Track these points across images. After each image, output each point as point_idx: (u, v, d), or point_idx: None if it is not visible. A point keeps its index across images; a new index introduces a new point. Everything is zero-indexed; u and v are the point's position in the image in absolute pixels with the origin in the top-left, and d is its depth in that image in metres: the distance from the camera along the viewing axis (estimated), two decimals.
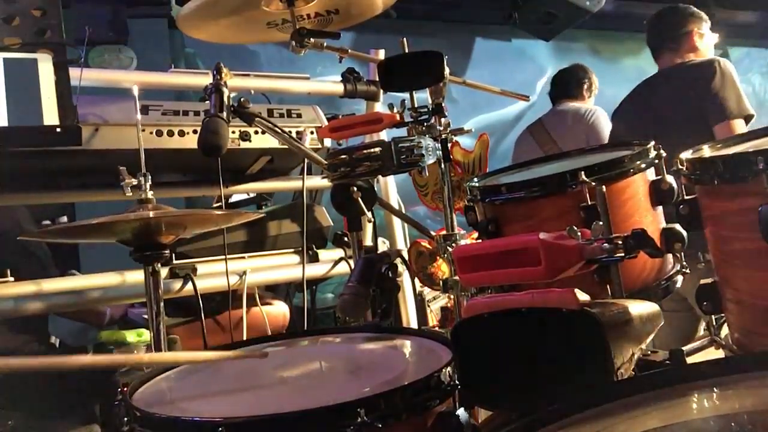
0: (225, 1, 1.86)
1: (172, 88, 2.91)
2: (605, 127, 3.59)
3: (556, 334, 0.93)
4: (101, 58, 4.19)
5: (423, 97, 1.50)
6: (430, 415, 0.96)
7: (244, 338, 2.13)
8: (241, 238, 2.31)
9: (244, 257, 2.24)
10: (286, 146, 1.90)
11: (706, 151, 1.14)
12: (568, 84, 3.91)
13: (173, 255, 2.09)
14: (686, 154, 1.11)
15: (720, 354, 1.17)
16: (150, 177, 1.65)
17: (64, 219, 2.97)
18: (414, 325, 2.37)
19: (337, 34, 1.89)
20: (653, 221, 1.27)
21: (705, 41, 2.86)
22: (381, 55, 2.43)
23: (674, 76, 2.76)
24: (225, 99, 1.64)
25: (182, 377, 1.24)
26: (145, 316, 1.76)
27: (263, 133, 2.08)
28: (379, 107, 2.46)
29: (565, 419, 0.75)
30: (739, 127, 2.50)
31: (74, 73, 1.81)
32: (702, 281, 1.10)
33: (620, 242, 1.02)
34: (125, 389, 1.10)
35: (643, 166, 1.27)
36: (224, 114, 1.62)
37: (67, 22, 1.76)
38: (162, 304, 1.68)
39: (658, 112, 2.71)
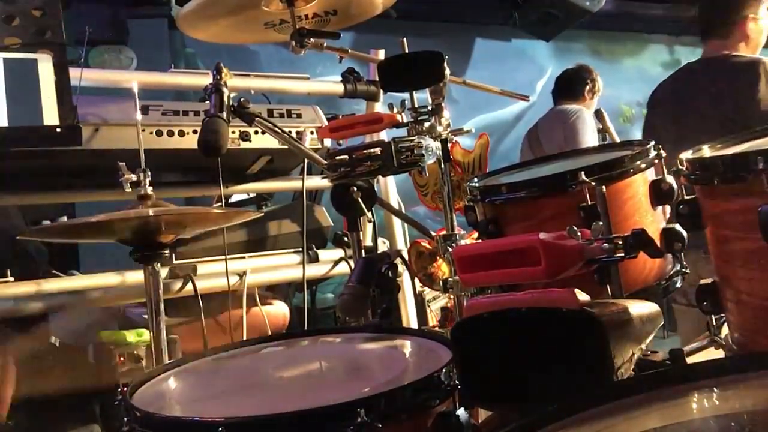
0: (225, 1, 1.86)
1: (172, 88, 2.91)
2: (585, 129, 3.57)
3: (556, 334, 0.93)
4: (101, 58, 4.19)
5: (423, 97, 1.50)
6: (430, 415, 0.96)
7: (244, 338, 2.13)
8: (241, 238, 2.31)
9: (244, 257, 2.24)
10: (286, 146, 1.90)
11: (706, 151, 1.14)
12: (569, 85, 3.92)
13: (173, 255, 2.09)
14: (686, 154, 1.11)
15: (720, 354, 1.17)
16: (149, 173, 1.65)
17: (64, 219, 2.97)
18: (414, 325, 2.37)
19: (337, 34, 1.90)
20: (653, 221, 1.27)
21: (761, 26, 2.65)
22: (381, 55, 2.43)
23: (717, 70, 2.60)
24: (225, 99, 1.64)
25: (182, 377, 1.24)
26: (145, 316, 1.75)
27: (263, 133, 2.08)
28: (379, 107, 2.46)
29: (565, 419, 0.75)
30: None
31: (74, 73, 1.81)
32: (702, 281, 1.10)
33: (620, 242, 1.02)
34: (125, 389, 1.10)
35: (643, 166, 1.27)
36: (224, 114, 1.62)
37: (67, 22, 1.77)
38: (162, 304, 1.68)
39: (696, 105, 2.58)
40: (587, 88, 3.88)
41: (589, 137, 3.56)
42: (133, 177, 1.63)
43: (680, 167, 1.08)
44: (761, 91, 2.42)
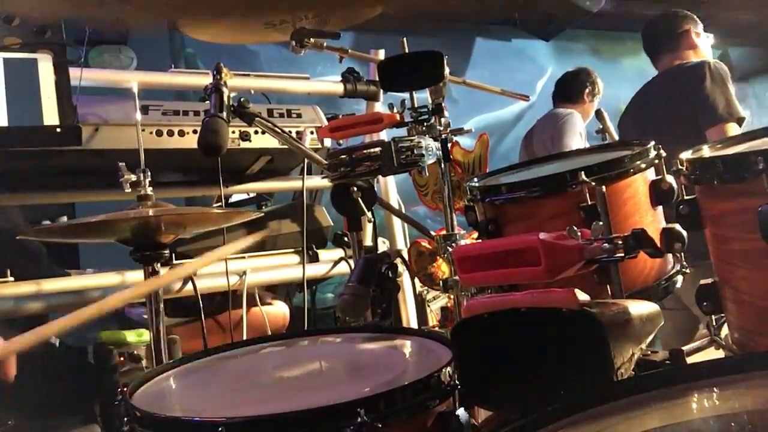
0: (225, 0, 1.86)
1: (172, 88, 2.91)
2: (571, 132, 3.60)
3: (556, 334, 0.93)
4: (101, 58, 4.18)
5: (423, 97, 1.50)
6: (430, 415, 0.96)
7: (244, 338, 2.13)
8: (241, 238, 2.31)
9: (244, 257, 2.24)
10: (286, 146, 1.90)
11: (706, 151, 1.14)
12: (568, 88, 3.92)
13: (173, 255, 2.09)
14: (686, 154, 1.11)
15: (720, 354, 1.17)
16: (149, 173, 1.65)
17: (64, 219, 2.97)
18: (414, 325, 2.37)
19: (337, 34, 1.90)
20: (653, 221, 1.27)
21: (703, 39, 2.87)
22: (381, 55, 2.43)
23: (669, 79, 2.78)
24: (225, 99, 1.64)
25: (182, 377, 1.24)
26: (145, 316, 1.75)
27: (263, 133, 2.08)
28: (379, 107, 2.46)
29: (565, 419, 0.75)
30: (732, 130, 2.50)
31: (74, 73, 1.81)
32: (702, 281, 1.10)
33: (620, 242, 1.02)
34: (125, 389, 1.10)
35: (643, 166, 1.27)
36: (224, 114, 1.62)
37: (67, 22, 1.77)
38: (162, 304, 1.68)
39: (652, 115, 2.75)
40: (587, 91, 3.88)
41: (575, 141, 3.58)
42: (133, 177, 1.63)
43: (680, 167, 1.08)
44: (707, 88, 2.55)
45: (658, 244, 1.12)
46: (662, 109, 2.70)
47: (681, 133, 2.44)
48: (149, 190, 1.64)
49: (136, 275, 1.94)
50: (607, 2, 5.24)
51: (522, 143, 3.96)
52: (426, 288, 2.39)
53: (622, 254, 1.02)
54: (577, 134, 3.61)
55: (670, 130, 2.52)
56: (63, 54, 1.75)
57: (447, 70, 1.45)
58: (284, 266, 2.32)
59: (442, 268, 1.87)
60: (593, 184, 1.18)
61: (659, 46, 2.91)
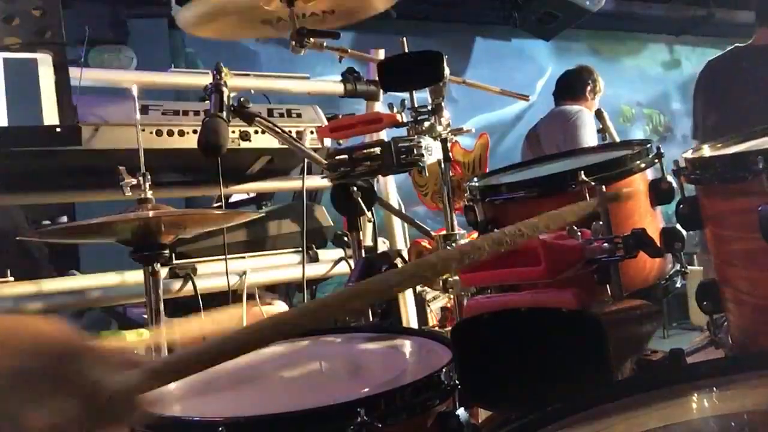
0: (225, 1, 1.86)
1: (172, 88, 2.91)
2: (585, 129, 3.58)
3: (556, 334, 0.93)
4: (101, 58, 4.19)
5: (423, 97, 1.50)
6: (430, 415, 0.96)
7: None
8: (241, 238, 2.31)
9: (244, 257, 2.24)
10: (286, 146, 1.90)
11: (706, 151, 1.14)
12: (570, 85, 3.92)
13: (173, 255, 2.09)
14: (686, 154, 1.11)
15: (720, 354, 1.17)
16: (149, 176, 1.65)
17: (64, 219, 2.97)
18: (414, 325, 2.37)
19: (337, 33, 1.89)
20: (653, 221, 1.27)
21: None
22: (381, 55, 2.43)
23: (761, 57, 2.60)
24: (225, 99, 1.64)
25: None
26: (145, 316, 1.75)
27: (263, 133, 2.08)
28: (379, 107, 2.46)
29: (565, 419, 0.75)
30: None
31: (74, 73, 1.81)
32: (702, 281, 1.10)
33: (620, 242, 1.02)
34: None
35: (643, 165, 1.27)
36: (224, 114, 1.62)
37: (67, 22, 1.77)
38: (162, 304, 1.68)
39: (736, 91, 2.58)
40: (588, 88, 3.88)
41: (589, 137, 3.57)
42: (133, 181, 1.63)
43: (681, 166, 1.08)
44: None
45: (658, 244, 1.12)
46: (744, 89, 2.52)
47: (760, 119, 2.30)
48: (149, 193, 1.63)
49: (135, 275, 1.94)
50: (607, 2, 5.24)
51: (525, 143, 3.95)
52: (426, 288, 2.39)
53: (622, 254, 1.02)
54: (590, 130, 3.60)
55: (748, 114, 2.36)
56: (63, 54, 1.75)
57: (447, 70, 1.45)
58: (284, 266, 2.32)
59: None
60: (593, 184, 1.18)
61: None
